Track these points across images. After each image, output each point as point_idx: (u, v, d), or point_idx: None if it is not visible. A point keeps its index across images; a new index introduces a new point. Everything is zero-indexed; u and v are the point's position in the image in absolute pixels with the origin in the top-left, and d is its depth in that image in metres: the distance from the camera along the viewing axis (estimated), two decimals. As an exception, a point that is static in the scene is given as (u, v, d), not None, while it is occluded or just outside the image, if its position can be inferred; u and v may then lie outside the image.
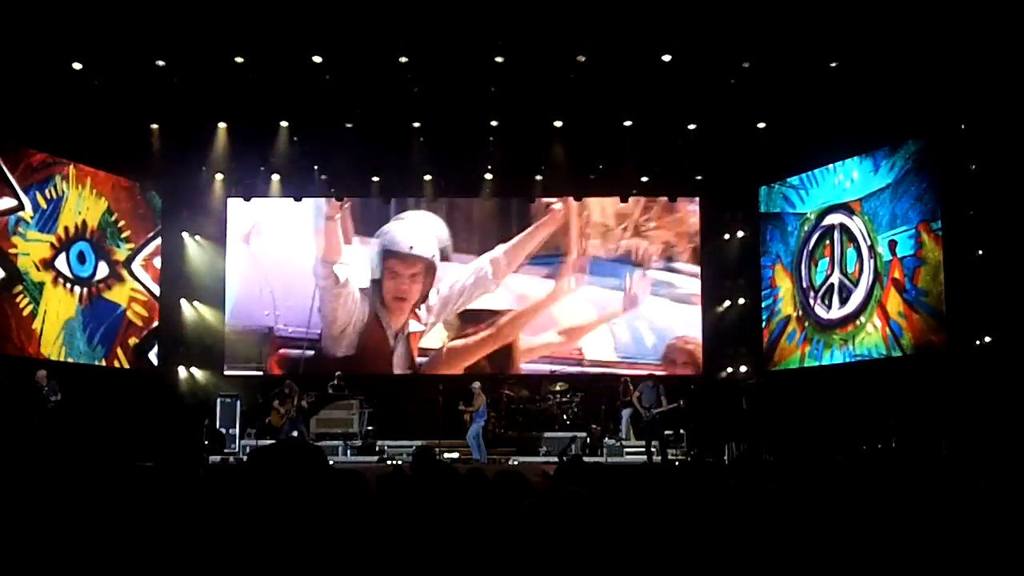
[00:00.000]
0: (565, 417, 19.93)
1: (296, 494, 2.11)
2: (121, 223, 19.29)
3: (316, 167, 20.17)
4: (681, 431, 18.70)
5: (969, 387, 14.61)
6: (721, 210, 21.08)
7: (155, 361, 20.08)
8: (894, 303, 16.91)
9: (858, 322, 17.72)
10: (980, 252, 15.29)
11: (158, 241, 20.28)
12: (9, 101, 15.71)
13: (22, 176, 16.97)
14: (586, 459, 13.22)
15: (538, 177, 20.48)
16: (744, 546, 3.37)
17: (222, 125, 18.36)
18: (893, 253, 16.90)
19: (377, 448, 19.00)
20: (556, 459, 14.17)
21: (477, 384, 18.55)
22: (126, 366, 19.09)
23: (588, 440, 18.93)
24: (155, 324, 20.06)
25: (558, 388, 20.23)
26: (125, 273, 19.40)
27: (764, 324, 20.19)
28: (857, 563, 3.28)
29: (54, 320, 17.59)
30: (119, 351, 19.03)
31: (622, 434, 19.24)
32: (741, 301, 20.72)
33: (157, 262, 20.23)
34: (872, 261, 17.42)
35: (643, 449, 17.73)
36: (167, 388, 19.92)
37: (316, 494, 2.09)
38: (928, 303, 16.24)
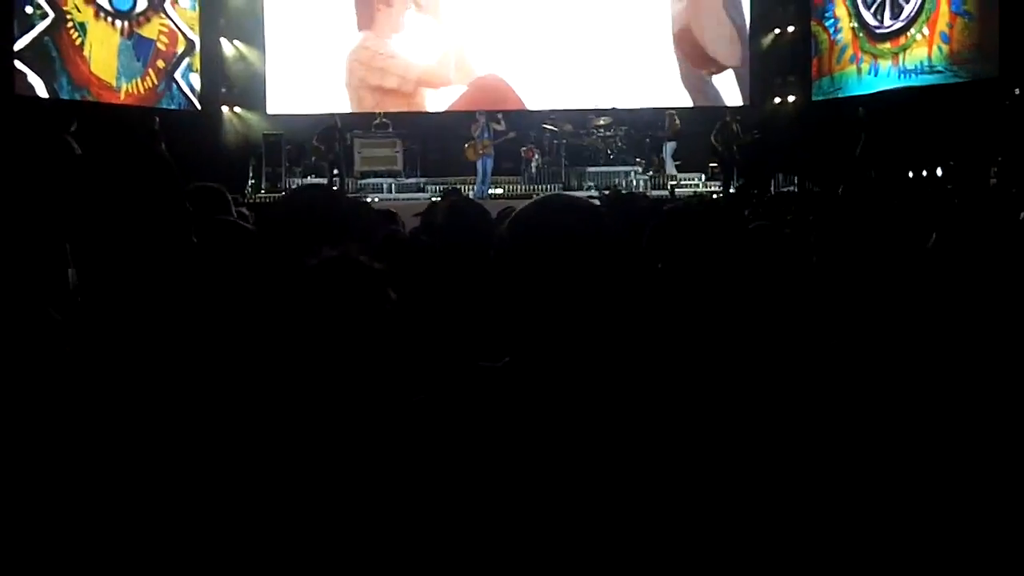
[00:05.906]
0: (609, 152, 19.76)
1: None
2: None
3: None
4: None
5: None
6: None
7: (197, 104, 19.98)
8: (943, 17, 16.95)
9: (908, 34, 17.72)
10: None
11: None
12: None
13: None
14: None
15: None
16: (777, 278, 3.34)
17: None
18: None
19: (420, 186, 19.13)
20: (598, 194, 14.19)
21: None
22: (157, 85, 19.13)
23: (633, 174, 18.96)
24: (181, 51, 19.78)
25: (601, 122, 19.90)
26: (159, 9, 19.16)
27: (821, 54, 19.74)
28: (895, 289, 3.24)
29: (100, 53, 17.87)
30: (151, 73, 19.05)
31: (667, 169, 19.15)
32: (791, 29, 20.07)
33: (183, 2, 19.83)
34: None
35: (690, 184, 17.88)
36: (211, 128, 19.87)
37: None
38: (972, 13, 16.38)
